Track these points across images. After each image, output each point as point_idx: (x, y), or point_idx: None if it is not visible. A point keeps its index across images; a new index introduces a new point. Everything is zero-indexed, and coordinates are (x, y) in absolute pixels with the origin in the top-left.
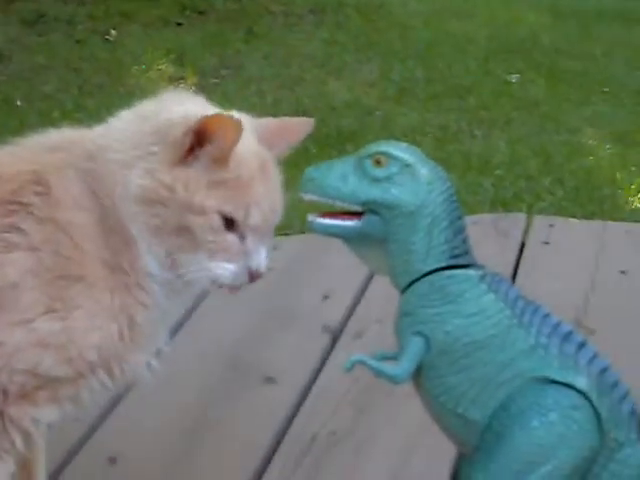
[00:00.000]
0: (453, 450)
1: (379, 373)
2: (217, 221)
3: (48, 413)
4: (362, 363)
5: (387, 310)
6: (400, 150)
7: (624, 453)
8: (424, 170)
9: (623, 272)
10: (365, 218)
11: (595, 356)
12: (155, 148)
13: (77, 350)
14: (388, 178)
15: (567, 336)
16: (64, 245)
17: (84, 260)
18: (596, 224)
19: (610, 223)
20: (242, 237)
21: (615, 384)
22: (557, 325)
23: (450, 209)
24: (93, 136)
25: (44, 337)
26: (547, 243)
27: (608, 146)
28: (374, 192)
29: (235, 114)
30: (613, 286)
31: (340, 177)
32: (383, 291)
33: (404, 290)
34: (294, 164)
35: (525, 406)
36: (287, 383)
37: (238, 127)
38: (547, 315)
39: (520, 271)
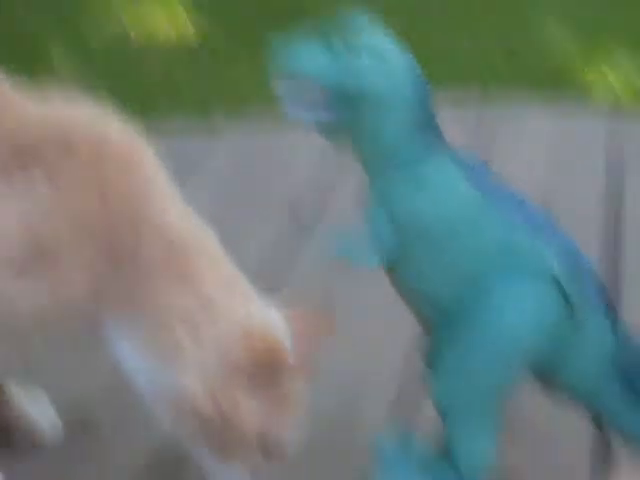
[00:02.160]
0: (423, 333)
1: (351, 259)
2: (253, 441)
3: None
4: (334, 250)
5: (356, 204)
6: (370, 34)
7: (591, 333)
8: (394, 55)
9: (586, 158)
10: (335, 104)
11: (564, 238)
12: (214, 364)
13: (18, 310)
14: (357, 64)
15: (538, 220)
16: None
17: (67, 249)
18: (562, 108)
19: (575, 106)
20: (264, 451)
21: (584, 266)
22: (528, 207)
23: (420, 93)
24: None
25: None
26: (514, 130)
27: (572, 36)
28: (344, 77)
29: (275, 316)
30: (578, 172)
31: (309, 57)
32: (352, 185)
33: (375, 176)
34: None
35: (494, 288)
36: (260, 276)
37: (309, 376)
38: (518, 197)
39: (488, 156)
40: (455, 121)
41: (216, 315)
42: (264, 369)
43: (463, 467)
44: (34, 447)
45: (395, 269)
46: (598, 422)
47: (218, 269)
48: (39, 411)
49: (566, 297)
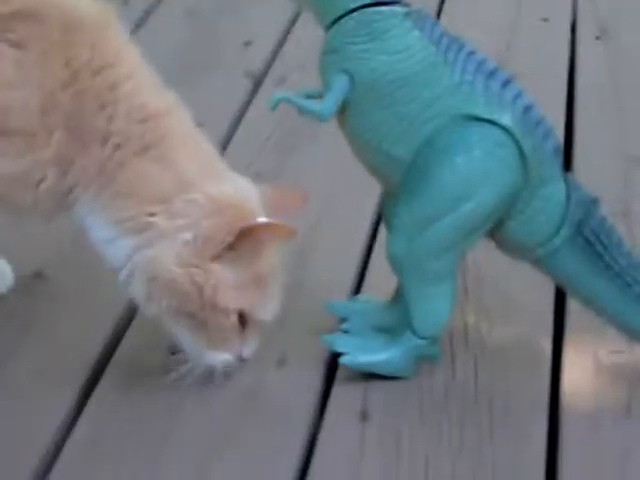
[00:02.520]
0: (378, 189)
1: (304, 109)
2: (235, 320)
3: None
4: (286, 100)
5: (310, 56)
6: None
7: (547, 190)
8: None
9: (545, 19)
10: None
11: (520, 94)
12: (187, 236)
13: None
14: None
15: (492, 73)
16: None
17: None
18: None
19: None
20: (244, 327)
21: (539, 121)
22: (482, 62)
23: None
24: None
25: None
26: None
27: None
28: None
29: (248, 189)
30: (535, 33)
31: None
32: (306, 37)
33: (329, 27)
34: None
35: (449, 143)
36: (211, 127)
37: (290, 235)
38: (472, 52)
39: (442, 18)
40: None
41: (190, 190)
42: (240, 242)
43: (417, 325)
44: None
45: (349, 122)
46: (559, 286)
47: (192, 146)
48: None
49: (521, 151)
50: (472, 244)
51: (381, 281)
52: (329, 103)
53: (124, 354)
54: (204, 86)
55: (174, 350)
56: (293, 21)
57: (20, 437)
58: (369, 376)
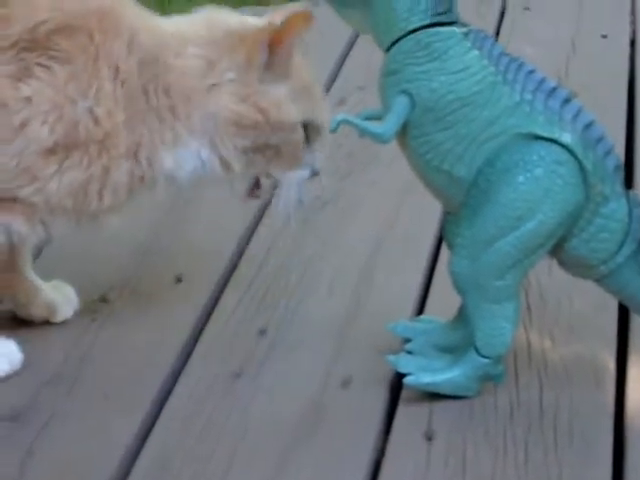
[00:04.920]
0: (439, 210)
1: (364, 131)
2: (302, 132)
3: (19, 225)
4: (347, 122)
5: (369, 77)
6: None
7: (609, 207)
8: None
9: (604, 36)
10: None
11: (580, 111)
12: (231, 75)
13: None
14: None
15: (552, 92)
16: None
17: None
18: None
19: None
20: (309, 140)
21: (600, 139)
22: (542, 81)
23: None
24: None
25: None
26: (527, 9)
27: None
28: None
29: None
30: (594, 50)
31: None
32: (364, 57)
33: (388, 49)
34: None
35: (510, 162)
36: None
37: (309, 17)
38: (531, 71)
39: (501, 36)
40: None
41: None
42: (273, 57)
43: (481, 344)
44: (51, 322)
45: (409, 143)
46: (622, 304)
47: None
48: (55, 287)
49: (582, 169)
50: (535, 262)
51: (444, 301)
52: (390, 125)
53: (189, 378)
54: None
55: (239, 372)
56: (351, 42)
57: (87, 461)
58: (433, 396)
